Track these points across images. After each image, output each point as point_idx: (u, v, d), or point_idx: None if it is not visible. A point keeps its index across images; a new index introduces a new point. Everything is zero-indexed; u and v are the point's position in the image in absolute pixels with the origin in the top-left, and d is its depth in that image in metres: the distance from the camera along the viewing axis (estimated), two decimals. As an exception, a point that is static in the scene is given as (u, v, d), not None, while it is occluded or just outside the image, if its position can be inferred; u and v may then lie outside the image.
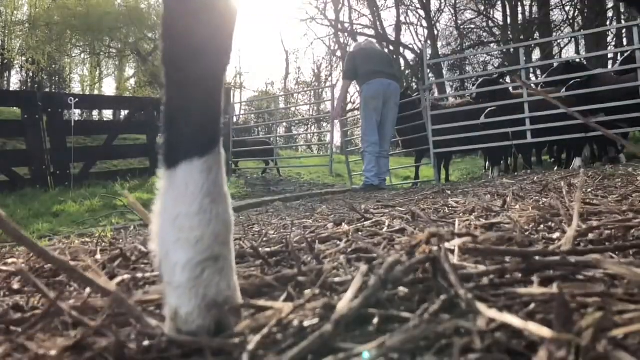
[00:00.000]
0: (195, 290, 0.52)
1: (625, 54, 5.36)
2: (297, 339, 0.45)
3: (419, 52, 20.46)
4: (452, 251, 0.69)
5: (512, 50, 15.79)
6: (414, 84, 19.84)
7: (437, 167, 6.62)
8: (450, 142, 5.80)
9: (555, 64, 6.34)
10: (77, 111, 18.66)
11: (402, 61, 21.70)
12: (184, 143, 0.58)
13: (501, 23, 20.63)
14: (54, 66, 24.76)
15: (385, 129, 5.05)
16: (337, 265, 0.76)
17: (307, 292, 0.60)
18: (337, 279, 0.66)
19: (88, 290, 0.82)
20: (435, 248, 0.63)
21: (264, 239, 1.24)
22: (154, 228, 0.58)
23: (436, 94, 13.74)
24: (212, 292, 0.53)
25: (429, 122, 5.76)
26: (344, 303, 0.47)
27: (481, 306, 0.43)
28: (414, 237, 0.61)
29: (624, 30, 13.44)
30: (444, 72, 21.17)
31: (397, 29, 22.88)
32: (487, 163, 7.82)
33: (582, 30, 14.13)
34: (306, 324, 0.48)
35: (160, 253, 0.56)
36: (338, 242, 1.07)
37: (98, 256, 1.14)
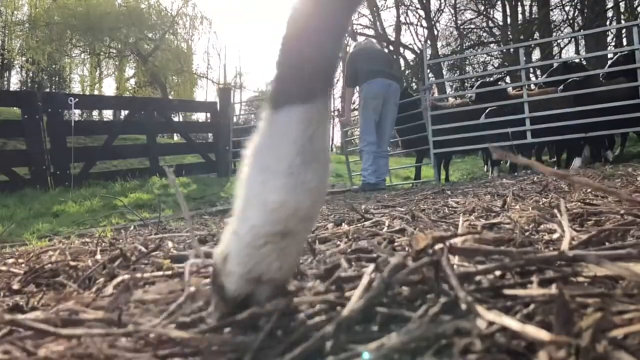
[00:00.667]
0: (246, 259, 0.50)
1: (613, 59, 5.37)
2: (298, 338, 0.45)
3: (418, 52, 20.47)
4: (454, 251, 0.69)
5: (512, 50, 15.79)
6: (413, 84, 19.85)
7: (437, 167, 6.62)
8: (450, 142, 5.80)
9: (555, 64, 6.34)
10: (77, 111, 18.69)
11: (402, 61, 21.71)
12: (290, 83, 0.53)
13: (501, 23, 20.63)
14: (54, 66, 24.75)
15: (384, 128, 5.05)
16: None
17: (311, 286, 0.60)
18: (343, 274, 0.66)
19: (87, 292, 0.82)
20: (436, 248, 0.63)
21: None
22: (246, 161, 0.54)
23: (436, 94, 13.74)
24: (261, 269, 0.50)
25: (428, 122, 5.76)
26: (350, 305, 0.47)
27: (481, 309, 0.43)
28: (418, 242, 0.61)
29: (624, 30, 13.43)
30: (444, 72, 21.18)
31: (397, 29, 22.88)
32: (487, 164, 7.83)
33: (582, 31, 14.13)
34: (308, 323, 0.48)
35: (243, 193, 0.52)
36: (338, 242, 1.07)
37: (98, 256, 1.14)
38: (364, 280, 0.53)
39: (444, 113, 6.05)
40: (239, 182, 0.55)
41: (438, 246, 0.65)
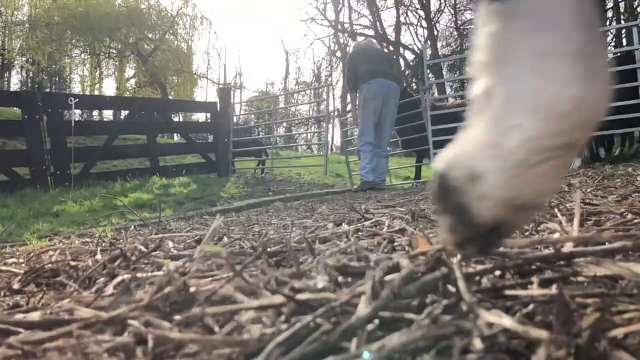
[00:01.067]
0: (514, 182, 0.38)
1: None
2: (298, 338, 0.45)
3: (418, 52, 20.47)
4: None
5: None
6: (413, 84, 19.85)
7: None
8: (449, 142, 5.78)
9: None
10: (77, 111, 18.70)
11: (402, 61, 21.71)
12: None
13: (501, 23, 20.62)
14: (54, 66, 24.76)
15: (384, 129, 5.05)
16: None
17: (317, 285, 0.60)
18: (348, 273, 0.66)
19: (87, 292, 0.82)
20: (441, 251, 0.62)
21: (264, 239, 1.24)
22: (489, 49, 0.40)
23: (436, 94, 13.73)
24: (530, 193, 0.39)
25: (428, 122, 5.76)
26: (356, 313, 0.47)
27: (482, 311, 0.43)
28: (432, 248, 0.60)
29: (623, 31, 13.44)
30: (444, 72, 21.20)
31: (397, 29, 22.89)
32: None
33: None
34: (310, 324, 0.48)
35: (503, 91, 0.39)
36: (338, 242, 1.07)
37: (98, 256, 1.14)
38: (368, 287, 0.53)
39: (443, 113, 6.03)
40: (478, 83, 0.42)
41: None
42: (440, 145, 5.76)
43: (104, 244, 1.48)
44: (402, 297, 0.52)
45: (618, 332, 0.39)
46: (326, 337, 0.42)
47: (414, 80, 20.82)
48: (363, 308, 0.48)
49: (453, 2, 22.52)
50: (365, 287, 0.52)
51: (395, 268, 0.58)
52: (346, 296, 0.50)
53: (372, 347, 0.40)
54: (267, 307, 0.50)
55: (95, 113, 25.53)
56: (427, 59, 6.71)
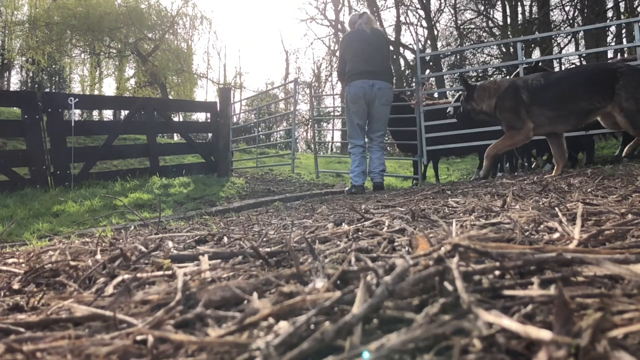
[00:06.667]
0: None
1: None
2: (298, 338, 0.45)
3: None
4: (454, 255, 0.69)
5: (512, 50, 15.79)
6: (414, 84, 19.82)
7: (434, 166, 6.60)
8: (439, 140, 5.70)
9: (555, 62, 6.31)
10: (77, 111, 18.71)
11: (402, 61, 21.70)
12: None
13: (501, 23, 20.63)
14: (54, 66, 24.78)
15: (374, 127, 4.88)
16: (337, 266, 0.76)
17: (319, 285, 0.59)
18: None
19: (87, 292, 0.82)
20: (443, 251, 0.62)
21: (264, 239, 1.24)
22: None
23: (435, 94, 13.69)
24: None
25: (421, 118, 5.71)
26: (352, 310, 0.47)
27: (481, 311, 0.43)
28: (434, 249, 0.60)
29: (624, 31, 13.43)
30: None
31: (397, 29, 22.89)
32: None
33: (581, 31, 14.12)
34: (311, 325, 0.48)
35: None
36: (338, 242, 1.07)
37: (98, 256, 1.14)
38: (363, 285, 0.53)
39: (435, 109, 5.98)
40: None
41: (444, 249, 0.64)
42: (433, 141, 5.73)
43: (104, 244, 1.48)
44: (399, 295, 0.52)
45: (618, 332, 0.39)
46: (322, 336, 0.42)
47: (413, 79, 20.81)
48: (358, 306, 0.48)
49: (453, 1, 22.50)
50: (360, 285, 0.52)
51: (393, 268, 0.58)
52: (339, 294, 0.50)
53: (371, 346, 0.40)
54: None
55: (95, 113, 25.55)
56: (420, 52, 6.54)
